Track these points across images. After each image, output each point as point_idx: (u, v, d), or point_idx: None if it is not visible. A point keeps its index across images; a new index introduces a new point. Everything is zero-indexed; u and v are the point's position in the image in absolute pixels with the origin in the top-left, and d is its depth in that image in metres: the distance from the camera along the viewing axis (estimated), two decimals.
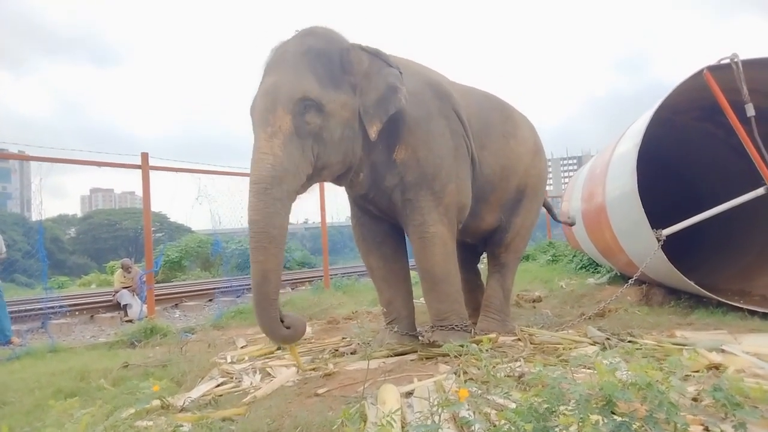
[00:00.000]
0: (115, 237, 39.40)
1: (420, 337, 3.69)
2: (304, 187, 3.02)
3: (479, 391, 2.20)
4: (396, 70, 3.12)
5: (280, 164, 2.77)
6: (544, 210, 4.80)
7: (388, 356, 3.30)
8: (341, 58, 3.05)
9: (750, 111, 4.14)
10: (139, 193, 6.56)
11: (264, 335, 2.82)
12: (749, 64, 4.15)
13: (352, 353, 3.57)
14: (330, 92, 2.94)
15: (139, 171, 6.15)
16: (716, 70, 4.20)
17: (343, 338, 4.16)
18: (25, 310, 6.99)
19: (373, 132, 3.05)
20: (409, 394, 2.50)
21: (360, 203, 3.65)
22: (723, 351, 2.96)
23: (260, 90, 2.98)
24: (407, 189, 3.33)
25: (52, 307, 6.50)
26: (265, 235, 2.72)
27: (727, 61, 4.16)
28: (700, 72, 4.18)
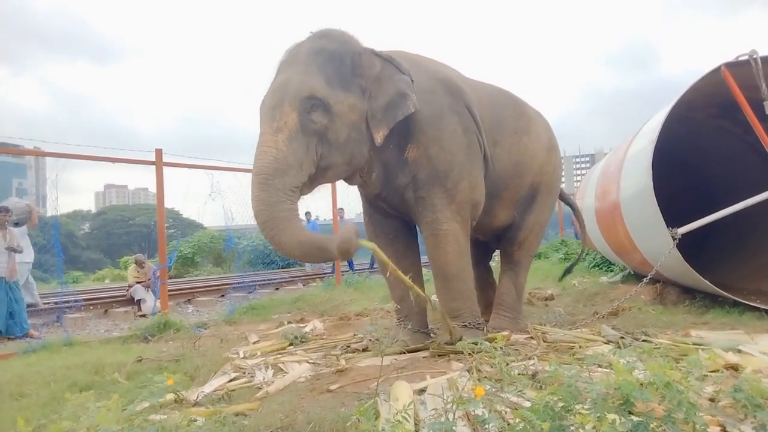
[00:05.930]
0: (128, 233, 39.75)
1: (432, 334, 3.69)
2: (308, 187, 3.00)
3: (493, 389, 2.19)
4: (408, 78, 3.10)
5: (284, 158, 2.77)
6: (556, 207, 4.76)
7: (400, 353, 3.30)
8: (353, 61, 3.04)
9: None
10: (153, 189, 6.59)
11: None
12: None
13: (364, 350, 3.57)
14: (338, 93, 2.94)
15: (153, 167, 6.19)
16: (734, 66, 4.14)
17: (355, 335, 4.16)
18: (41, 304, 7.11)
19: (378, 137, 3.05)
20: (422, 391, 2.49)
21: (372, 201, 3.65)
22: (739, 351, 2.92)
23: (270, 87, 3.02)
24: (419, 187, 3.32)
25: (67, 302, 6.58)
26: (274, 220, 2.70)
27: (746, 57, 4.10)
28: (718, 69, 4.12)
